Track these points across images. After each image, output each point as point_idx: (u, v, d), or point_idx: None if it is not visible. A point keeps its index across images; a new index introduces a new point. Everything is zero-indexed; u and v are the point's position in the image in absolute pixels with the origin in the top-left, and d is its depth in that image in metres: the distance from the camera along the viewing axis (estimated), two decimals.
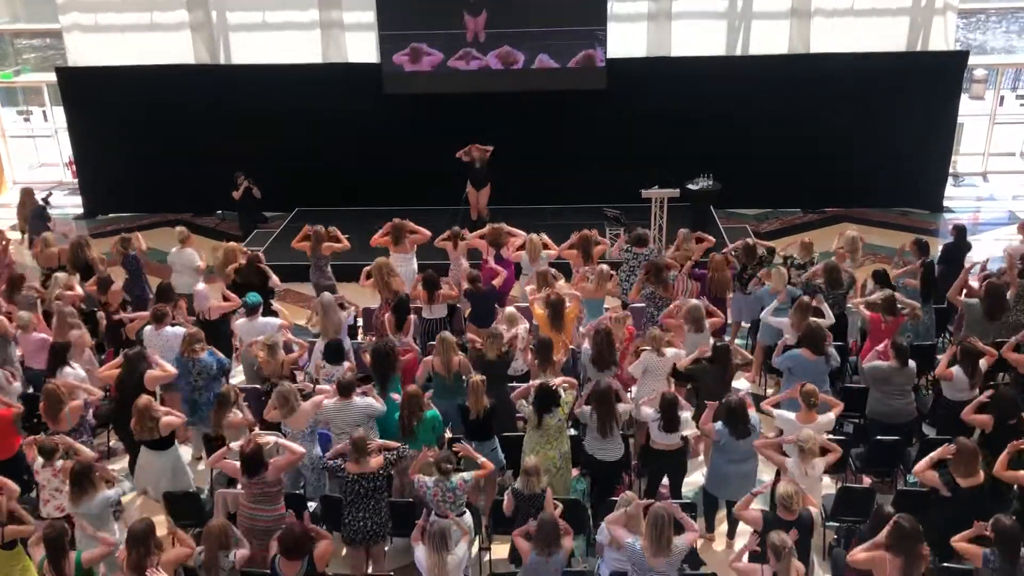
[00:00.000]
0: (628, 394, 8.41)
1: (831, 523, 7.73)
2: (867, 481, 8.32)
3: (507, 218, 12.04)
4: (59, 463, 7.24)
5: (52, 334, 9.22)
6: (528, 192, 14.49)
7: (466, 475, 7.06)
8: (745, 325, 10.92)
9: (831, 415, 7.75)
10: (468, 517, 7.08)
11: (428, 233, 11.23)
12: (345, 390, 7.80)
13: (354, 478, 7.04)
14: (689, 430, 7.79)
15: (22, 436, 8.09)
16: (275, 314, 9.76)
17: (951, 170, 16.24)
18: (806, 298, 9.05)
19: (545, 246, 10.83)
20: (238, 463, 7.03)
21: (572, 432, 8.04)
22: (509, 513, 7.04)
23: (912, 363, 8.37)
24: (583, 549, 7.28)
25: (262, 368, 8.59)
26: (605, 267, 10.07)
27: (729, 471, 7.55)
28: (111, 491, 7.01)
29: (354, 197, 15.45)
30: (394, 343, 8.56)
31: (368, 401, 7.87)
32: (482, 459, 7.25)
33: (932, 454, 6.98)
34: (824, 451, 7.25)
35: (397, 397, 8.05)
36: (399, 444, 7.45)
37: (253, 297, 9.52)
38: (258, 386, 8.78)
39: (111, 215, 16.60)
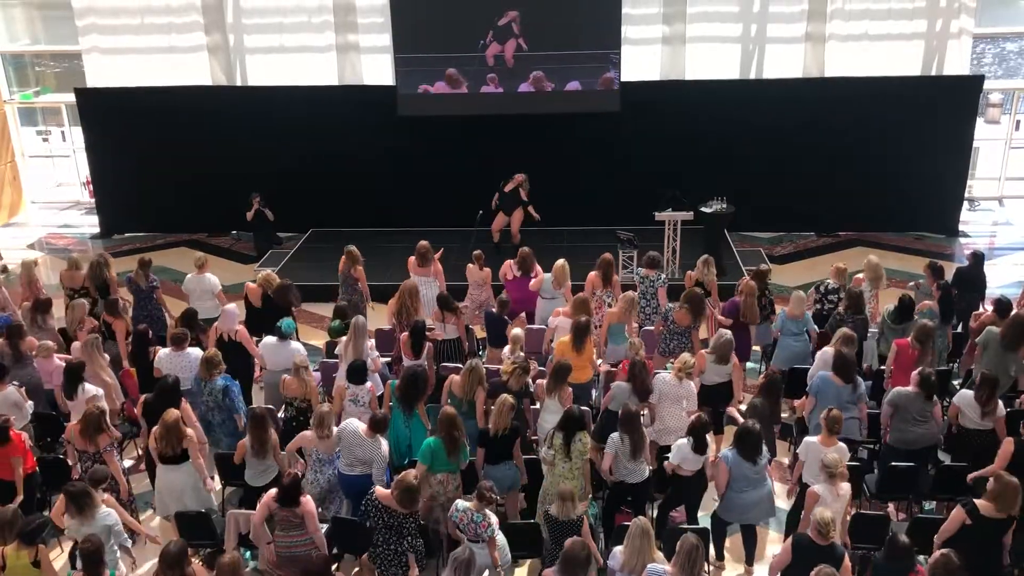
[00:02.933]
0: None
1: None
2: (881, 508, 8.23)
3: (521, 241, 12.04)
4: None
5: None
6: (541, 215, 14.49)
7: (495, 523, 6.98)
8: (757, 349, 10.89)
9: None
10: (503, 541, 7.03)
11: (443, 283, 11.10)
12: (379, 426, 7.71)
13: (404, 516, 7.01)
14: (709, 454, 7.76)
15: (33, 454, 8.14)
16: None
17: (967, 194, 16.17)
18: (848, 330, 8.96)
19: None
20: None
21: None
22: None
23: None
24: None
25: (292, 392, 8.64)
26: (632, 294, 10.03)
27: (744, 499, 7.49)
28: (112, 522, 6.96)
29: (369, 219, 15.52)
30: (424, 367, 8.57)
31: (387, 446, 7.83)
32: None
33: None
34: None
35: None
36: None
37: (289, 324, 9.55)
38: (271, 407, 8.79)
39: (127, 235, 16.72)
